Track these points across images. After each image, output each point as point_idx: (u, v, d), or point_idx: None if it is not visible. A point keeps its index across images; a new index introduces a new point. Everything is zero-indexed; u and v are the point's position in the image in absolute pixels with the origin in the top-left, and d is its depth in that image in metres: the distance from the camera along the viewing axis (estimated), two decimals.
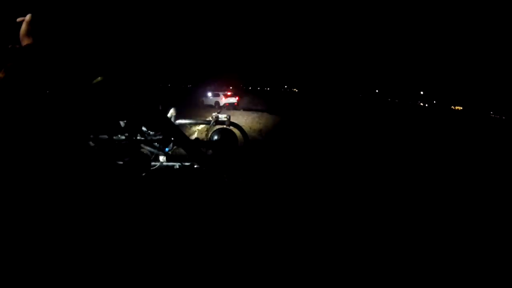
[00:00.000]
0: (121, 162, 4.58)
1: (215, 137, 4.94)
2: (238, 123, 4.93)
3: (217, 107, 17.76)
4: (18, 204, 3.40)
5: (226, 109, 16.58)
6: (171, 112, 4.80)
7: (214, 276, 2.19)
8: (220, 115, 5.02)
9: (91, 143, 4.40)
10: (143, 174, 4.44)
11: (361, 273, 2.19)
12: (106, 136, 4.50)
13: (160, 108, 4.91)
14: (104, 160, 4.40)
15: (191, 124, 4.73)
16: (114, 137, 4.60)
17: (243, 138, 4.88)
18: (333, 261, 2.35)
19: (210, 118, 4.89)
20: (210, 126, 4.94)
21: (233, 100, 18.96)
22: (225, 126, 4.89)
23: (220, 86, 22.62)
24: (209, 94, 19.56)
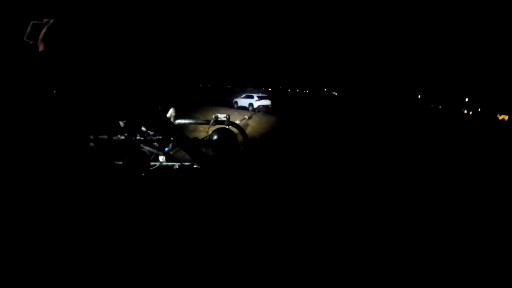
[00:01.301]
0: (121, 162, 4.60)
1: (215, 137, 4.96)
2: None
3: (251, 109, 17.27)
4: (18, 204, 3.41)
5: (261, 113, 15.96)
6: (171, 112, 4.81)
7: (214, 276, 2.20)
8: (220, 115, 5.03)
9: (91, 143, 4.42)
10: (143, 174, 4.46)
11: (361, 273, 2.20)
12: (105, 136, 4.52)
13: (160, 108, 4.93)
14: (103, 160, 4.41)
15: (191, 124, 4.76)
16: (114, 137, 4.62)
17: (243, 138, 4.89)
18: (333, 261, 2.36)
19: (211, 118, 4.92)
20: (210, 126, 4.96)
21: (267, 102, 18.23)
22: (224, 126, 4.91)
23: (254, 88, 22.45)
24: (243, 96, 19.04)
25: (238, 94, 19.90)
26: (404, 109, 17.61)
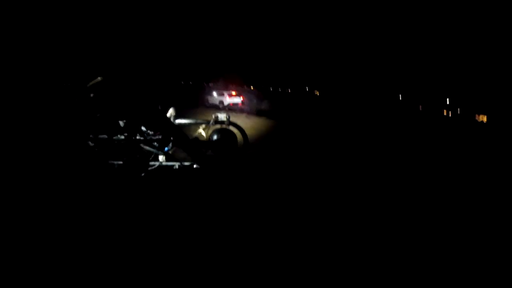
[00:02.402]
0: (120, 162, 4.60)
1: (215, 137, 4.96)
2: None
3: (221, 106, 16.99)
4: (18, 203, 3.40)
5: (230, 110, 15.69)
6: (171, 112, 4.81)
7: (214, 276, 2.20)
8: (219, 115, 5.03)
9: (90, 143, 4.41)
10: (142, 174, 4.46)
11: (361, 273, 2.22)
12: (105, 136, 4.52)
13: (160, 108, 4.93)
14: (103, 160, 4.41)
15: (190, 124, 4.75)
16: (114, 137, 4.61)
17: (243, 138, 4.89)
18: (333, 261, 2.38)
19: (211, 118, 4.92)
20: (210, 126, 4.96)
21: (238, 100, 17.74)
22: (224, 126, 4.91)
23: (225, 84, 21.70)
24: (214, 93, 18.63)
25: (208, 92, 19.63)
26: (386, 110, 17.84)
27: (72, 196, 3.67)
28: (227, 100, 17.59)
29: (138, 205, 3.54)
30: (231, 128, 4.91)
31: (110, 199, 3.68)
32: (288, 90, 33.01)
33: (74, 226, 3.06)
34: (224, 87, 20.20)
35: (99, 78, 4.11)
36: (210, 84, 21.15)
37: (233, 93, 18.14)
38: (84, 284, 2.16)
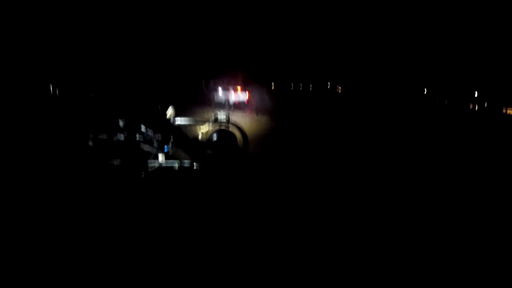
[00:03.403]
0: (120, 162, 4.61)
1: (214, 137, 4.96)
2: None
3: (227, 104, 16.32)
4: (17, 203, 3.41)
5: (236, 108, 15.05)
6: (170, 112, 4.81)
7: (213, 276, 2.21)
8: (219, 115, 5.03)
9: (90, 143, 4.43)
10: (142, 174, 4.46)
11: (361, 273, 2.21)
12: (105, 136, 4.53)
13: (159, 108, 4.94)
14: (103, 160, 4.42)
15: (190, 124, 4.72)
16: (113, 137, 4.62)
17: (242, 138, 4.89)
18: (333, 261, 2.37)
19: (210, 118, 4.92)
20: (209, 126, 4.96)
21: (243, 97, 16.70)
22: (223, 126, 4.92)
23: (230, 81, 20.73)
24: (220, 90, 17.69)
25: (214, 89, 19.01)
26: (411, 106, 17.30)
27: (72, 196, 3.68)
28: (233, 97, 17.09)
29: (138, 205, 3.54)
30: (231, 127, 4.91)
31: (110, 199, 3.68)
32: (309, 87, 32.30)
33: (74, 226, 3.06)
34: (230, 84, 19.59)
35: (97, 79, 4.13)
36: (215, 82, 20.60)
37: (239, 90, 17.55)
38: (84, 284, 2.16)
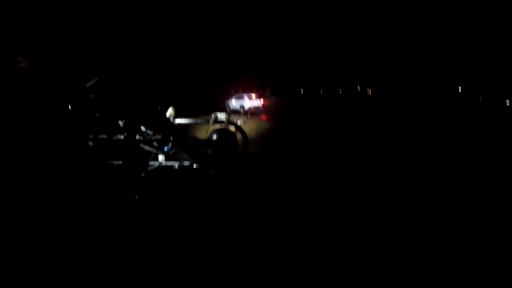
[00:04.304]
0: (120, 162, 4.61)
1: (214, 137, 4.96)
2: None
3: (242, 111, 16.30)
4: (18, 203, 3.41)
5: (251, 115, 15.01)
6: (170, 112, 4.81)
7: (213, 276, 2.20)
8: (219, 115, 5.04)
9: (90, 143, 4.42)
10: (142, 174, 4.47)
11: (361, 273, 2.20)
12: (105, 136, 4.53)
13: (159, 108, 4.94)
14: (103, 160, 4.42)
15: (190, 124, 4.71)
16: (113, 137, 4.62)
17: (242, 138, 4.89)
18: (333, 261, 2.36)
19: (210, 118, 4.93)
20: (210, 126, 4.96)
21: (259, 103, 16.64)
22: (224, 126, 4.92)
23: (245, 88, 20.56)
24: (234, 97, 17.69)
25: (228, 97, 19.12)
26: (447, 105, 17.02)
27: (72, 196, 3.67)
28: (248, 103, 17.16)
29: (138, 205, 3.54)
30: (231, 127, 4.91)
31: (110, 199, 3.69)
32: (338, 91, 31.98)
33: (74, 226, 3.06)
34: (244, 91, 19.59)
35: (96, 79, 4.13)
36: (230, 89, 20.52)
37: (253, 96, 17.60)
38: (84, 284, 2.16)
